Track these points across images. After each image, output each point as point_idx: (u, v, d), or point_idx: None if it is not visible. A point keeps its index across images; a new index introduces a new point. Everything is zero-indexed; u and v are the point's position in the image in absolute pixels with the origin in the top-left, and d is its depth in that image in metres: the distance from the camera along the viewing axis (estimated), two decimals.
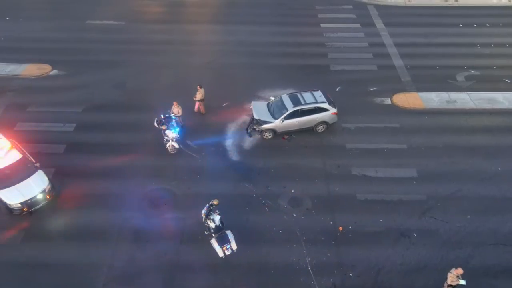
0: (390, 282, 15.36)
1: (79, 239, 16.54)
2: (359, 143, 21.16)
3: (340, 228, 17.19)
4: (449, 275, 14.19)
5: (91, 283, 15.19)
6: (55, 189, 18.00)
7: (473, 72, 26.41)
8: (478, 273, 15.48)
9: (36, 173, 17.65)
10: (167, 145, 20.16)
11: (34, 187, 17.19)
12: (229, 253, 15.77)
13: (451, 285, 14.31)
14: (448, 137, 21.50)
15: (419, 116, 22.97)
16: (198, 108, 22.63)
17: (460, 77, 25.99)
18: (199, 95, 22.04)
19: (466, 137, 21.46)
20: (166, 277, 15.44)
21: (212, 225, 15.99)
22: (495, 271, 15.67)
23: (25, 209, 17.00)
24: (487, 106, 23.59)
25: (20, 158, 17.80)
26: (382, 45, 29.44)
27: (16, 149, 18.21)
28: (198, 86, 22.00)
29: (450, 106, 23.66)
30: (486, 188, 18.80)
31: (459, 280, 13.94)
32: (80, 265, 15.70)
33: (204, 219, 16.20)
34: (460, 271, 14.01)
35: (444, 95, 24.38)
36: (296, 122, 21.08)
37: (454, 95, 24.39)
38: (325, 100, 21.39)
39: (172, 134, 19.97)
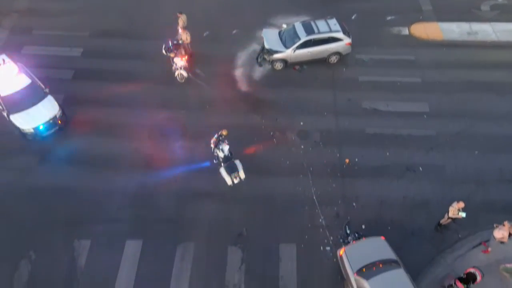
0: (392, 213, 15.90)
1: (92, 165, 16.98)
2: (372, 75, 20.59)
3: (347, 160, 17.40)
4: (450, 208, 14.59)
5: (106, 207, 15.91)
6: (65, 115, 18.15)
7: (500, 0, 24.73)
8: (480, 208, 15.87)
9: (46, 98, 17.69)
10: (176, 73, 19.82)
11: (45, 112, 17.34)
12: (237, 181, 16.19)
13: (451, 218, 14.78)
14: (465, 71, 20.76)
15: (436, 49, 22.01)
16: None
17: (485, 6, 24.40)
18: (181, 22, 20.57)
19: (484, 72, 20.70)
20: (177, 203, 16.09)
21: (221, 154, 16.26)
22: (497, 206, 16.03)
23: (37, 134, 17.33)
24: (510, 39, 22.41)
25: (30, 83, 17.71)
26: None
27: (24, 73, 18.03)
28: (178, 14, 20.49)
29: (471, 38, 22.52)
30: (499, 126, 18.54)
31: (460, 213, 14.32)
32: (94, 190, 16.31)
33: (213, 149, 16.47)
34: (461, 204, 14.35)
35: (465, 26, 23.11)
36: (308, 52, 20.37)
37: (476, 26, 23.11)
38: (339, 29, 20.41)
39: (180, 62, 19.54)
